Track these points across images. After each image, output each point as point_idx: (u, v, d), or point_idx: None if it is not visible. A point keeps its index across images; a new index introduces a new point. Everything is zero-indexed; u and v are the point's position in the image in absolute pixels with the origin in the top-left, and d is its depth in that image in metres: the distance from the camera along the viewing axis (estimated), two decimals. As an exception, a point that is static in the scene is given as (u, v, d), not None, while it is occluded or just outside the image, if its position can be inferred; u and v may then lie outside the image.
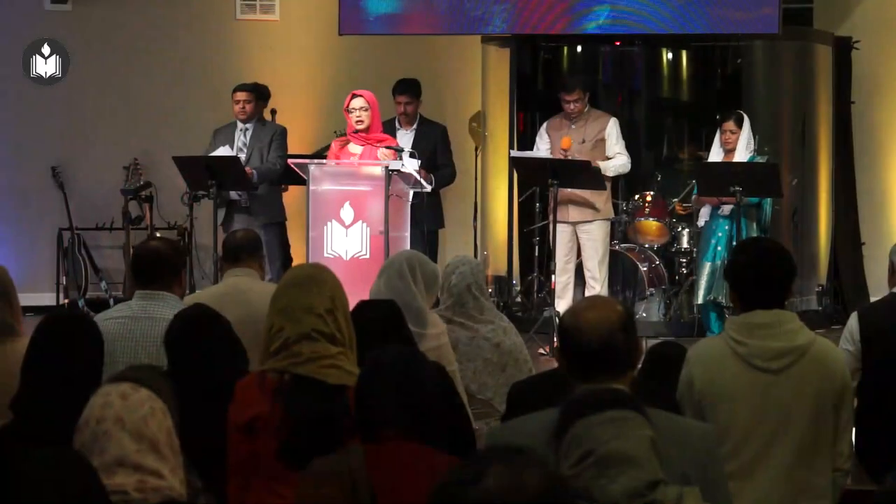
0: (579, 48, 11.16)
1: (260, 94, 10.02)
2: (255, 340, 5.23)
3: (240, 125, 9.75)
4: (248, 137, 9.71)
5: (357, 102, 8.52)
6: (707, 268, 9.48)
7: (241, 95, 9.74)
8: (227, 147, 9.57)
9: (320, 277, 4.09)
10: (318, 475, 3.48)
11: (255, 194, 9.61)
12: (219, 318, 4.39)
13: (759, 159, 9.51)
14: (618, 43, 10.88)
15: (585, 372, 3.20)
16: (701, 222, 9.68)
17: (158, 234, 11.00)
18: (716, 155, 9.52)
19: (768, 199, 9.50)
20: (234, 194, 9.62)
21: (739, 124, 9.40)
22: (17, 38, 11.26)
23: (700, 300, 9.45)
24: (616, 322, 3.21)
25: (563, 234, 9.37)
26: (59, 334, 4.11)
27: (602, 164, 9.37)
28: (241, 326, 5.13)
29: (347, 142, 8.56)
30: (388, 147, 8.49)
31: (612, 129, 9.43)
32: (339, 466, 3.47)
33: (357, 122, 8.52)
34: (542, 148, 9.60)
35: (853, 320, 5.32)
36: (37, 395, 3.97)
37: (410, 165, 8.12)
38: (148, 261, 5.05)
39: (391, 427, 3.53)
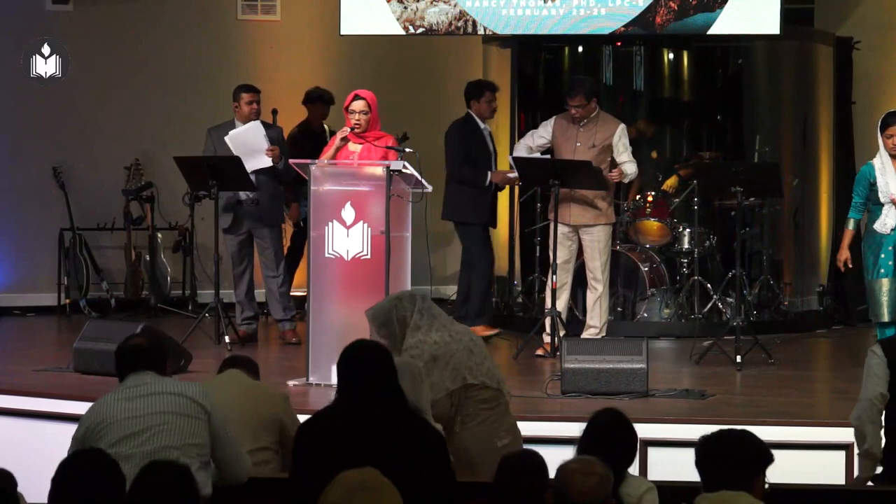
0: (580, 48, 11.15)
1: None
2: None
3: (241, 125, 9.75)
4: None
5: (358, 105, 8.48)
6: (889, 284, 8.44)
7: (252, 96, 9.75)
8: (257, 124, 9.56)
9: None
10: None
11: (263, 195, 9.61)
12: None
13: None
14: (619, 43, 10.87)
15: None
16: (887, 228, 8.47)
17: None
18: (885, 163, 8.45)
19: None
20: (242, 194, 9.63)
21: None
22: (17, 38, 11.25)
23: (886, 318, 8.42)
24: (605, 487, 3.83)
25: (563, 236, 9.35)
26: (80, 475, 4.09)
27: (624, 171, 9.31)
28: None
29: (347, 141, 8.55)
30: (388, 147, 8.47)
31: (620, 135, 9.37)
32: None
33: (355, 124, 8.49)
34: (537, 140, 9.50)
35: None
36: None
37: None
38: (129, 353, 5.07)
39: None
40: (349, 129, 8.47)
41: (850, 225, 8.57)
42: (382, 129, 8.68)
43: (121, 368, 5.05)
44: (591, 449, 4.46)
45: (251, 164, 9.46)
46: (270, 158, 9.46)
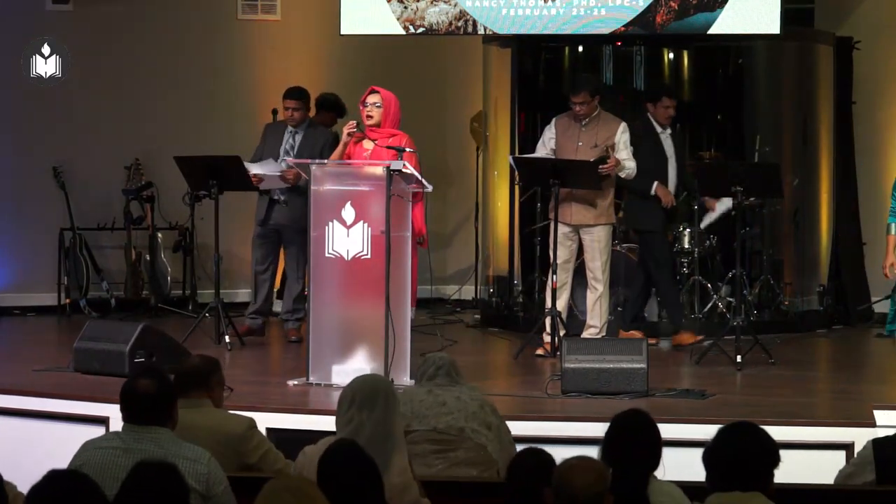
0: (580, 48, 11.15)
1: (307, 100, 9.93)
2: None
3: (290, 127, 9.78)
4: (296, 141, 9.72)
5: (371, 98, 8.59)
6: None
7: (289, 103, 9.74)
8: (274, 166, 9.56)
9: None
10: None
11: (294, 197, 9.60)
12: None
13: None
14: (619, 43, 10.87)
15: None
16: None
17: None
18: None
19: None
20: (274, 194, 9.65)
21: None
22: (17, 38, 11.25)
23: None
24: (603, 483, 3.90)
25: (563, 236, 9.34)
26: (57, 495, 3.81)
27: (623, 165, 9.23)
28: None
29: (362, 138, 8.59)
30: (388, 147, 8.49)
31: (622, 135, 9.34)
32: None
33: (367, 116, 8.57)
34: (549, 145, 9.47)
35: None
36: None
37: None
38: (136, 400, 4.72)
39: None
40: (355, 123, 8.52)
41: (893, 230, 8.28)
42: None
43: (125, 412, 4.74)
44: (615, 451, 4.44)
45: (273, 185, 9.59)
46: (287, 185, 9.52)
